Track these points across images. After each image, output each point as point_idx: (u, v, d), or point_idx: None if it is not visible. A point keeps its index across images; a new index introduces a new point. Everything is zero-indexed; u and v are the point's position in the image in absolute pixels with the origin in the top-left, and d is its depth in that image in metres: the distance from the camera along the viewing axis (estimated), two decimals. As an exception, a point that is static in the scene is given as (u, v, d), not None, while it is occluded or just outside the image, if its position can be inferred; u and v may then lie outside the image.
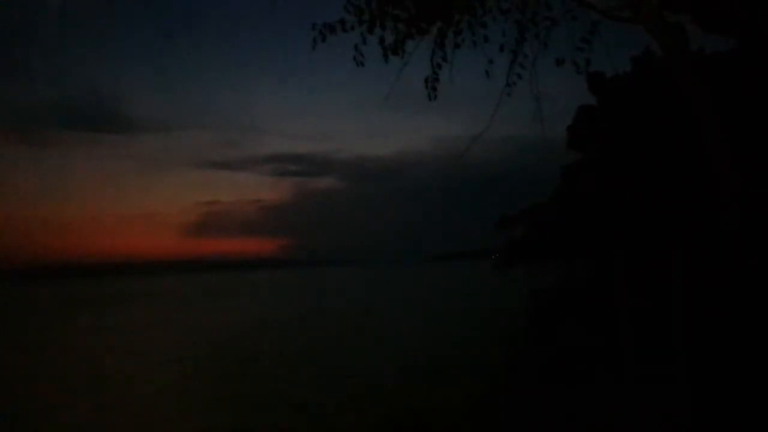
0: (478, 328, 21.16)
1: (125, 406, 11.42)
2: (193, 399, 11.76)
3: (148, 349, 19.77)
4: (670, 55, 4.90)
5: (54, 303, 61.93)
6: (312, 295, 52.32)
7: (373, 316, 28.00)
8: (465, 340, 18.42)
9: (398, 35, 5.80)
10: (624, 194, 12.75)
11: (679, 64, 4.75)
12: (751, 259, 4.36)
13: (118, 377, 14.85)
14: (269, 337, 21.96)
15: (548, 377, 11.17)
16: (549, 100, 6.26)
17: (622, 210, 12.61)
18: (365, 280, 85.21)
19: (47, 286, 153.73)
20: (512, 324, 20.65)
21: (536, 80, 5.95)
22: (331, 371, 14.06)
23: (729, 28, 6.97)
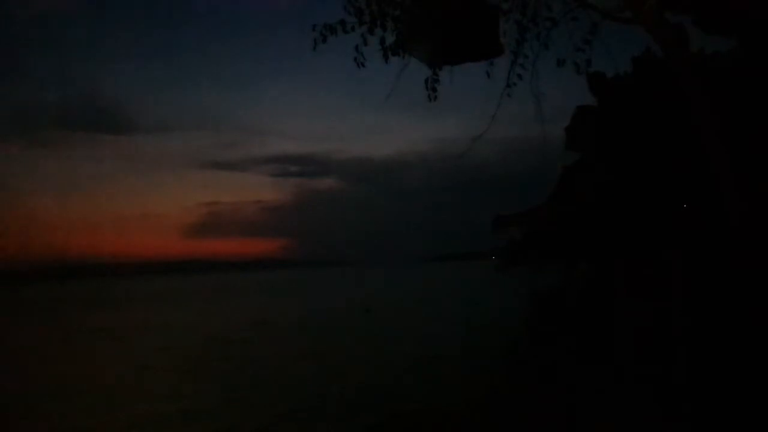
0: (478, 328, 21.17)
1: (124, 409, 11.42)
2: (193, 400, 11.77)
3: (148, 351, 19.78)
4: (671, 55, 4.91)
5: (54, 304, 61.94)
6: (312, 295, 52.34)
7: (373, 316, 28.01)
8: (465, 340, 18.44)
9: (399, 36, 5.80)
10: (624, 194, 12.76)
11: (679, 65, 4.75)
12: (750, 259, 4.37)
13: (117, 379, 14.86)
14: (270, 337, 21.98)
15: (548, 377, 11.17)
16: (549, 100, 6.26)
17: (622, 210, 12.62)
18: (365, 280, 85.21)
19: (47, 286, 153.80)
20: (513, 324, 20.65)
21: (536, 81, 5.96)
22: (331, 372, 14.06)
23: (729, 28, 6.98)
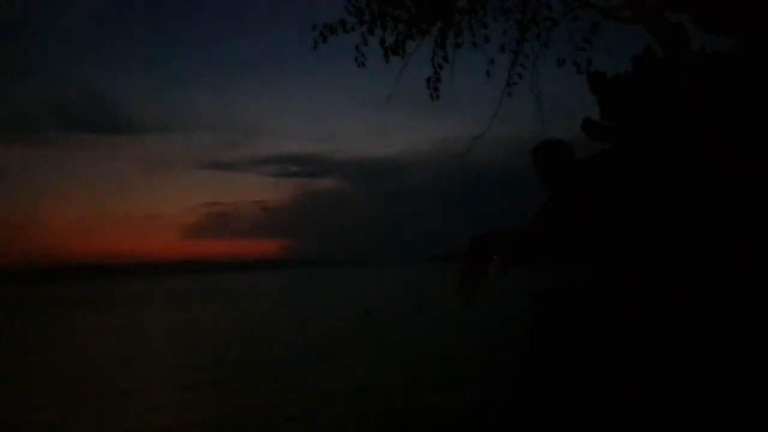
0: (479, 328, 21.15)
1: (126, 413, 11.41)
2: (194, 403, 11.77)
3: (149, 353, 19.79)
4: (671, 55, 4.90)
5: (54, 305, 61.96)
6: (313, 296, 52.33)
7: (374, 316, 28.00)
8: (466, 340, 18.42)
9: (399, 36, 5.80)
10: (624, 193, 12.73)
11: (679, 64, 4.75)
12: (751, 260, 4.36)
13: (119, 381, 14.85)
14: (270, 338, 21.97)
15: (549, 377, 11.17)
16: (550, 100, 6.27)
17: (622, 209, 12.60)
18: (366, 280, 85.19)
19: (48, 287, 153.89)
20: (513, 324, 20.63)
21: (537, 80, 5.97)
22: (332, 372, 14.07)
23: (729, 28, 6.96)
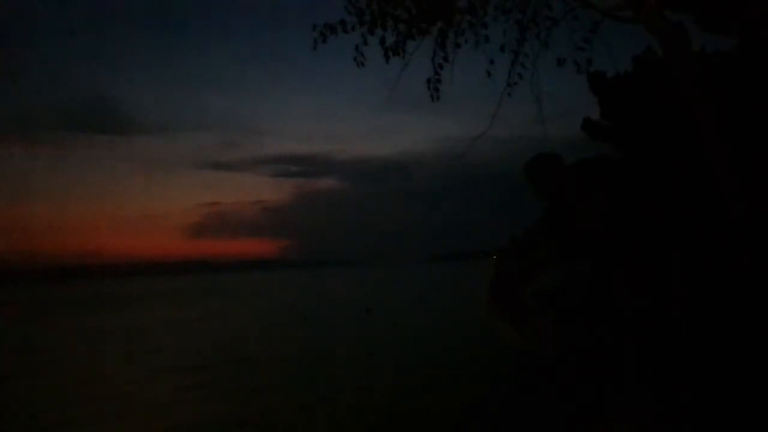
0: (479, 327, 21.15)
1: (127, 413, 11.42)
2: (194, 403, 11.77)
3: (150, 353, 19.79)
4: (671, 54, 4.90)
5: (54, 304, 61.97)
6: (313, 296, 52.31)
7: (374, 316, 27.99)
8: (466, 339, 18.43)
9: (399, 36, 5.80)
10: (624, 194, 12.72)
11: (679, 64, 4.74)
12: (751, 260, 4.36)
13: (119, 382, 14.86)
14: (270, 338, 21.96)
15: (548, 377, 11.17)
16: (550, 100, 6.27)
17: (622, 210, 12.59)
18: (366, 280, 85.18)
19: (48, 287, 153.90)
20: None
21: (537, 80, 5.97)
22: (332, 372, 14.06)
23: (729, 28, 6.96)
